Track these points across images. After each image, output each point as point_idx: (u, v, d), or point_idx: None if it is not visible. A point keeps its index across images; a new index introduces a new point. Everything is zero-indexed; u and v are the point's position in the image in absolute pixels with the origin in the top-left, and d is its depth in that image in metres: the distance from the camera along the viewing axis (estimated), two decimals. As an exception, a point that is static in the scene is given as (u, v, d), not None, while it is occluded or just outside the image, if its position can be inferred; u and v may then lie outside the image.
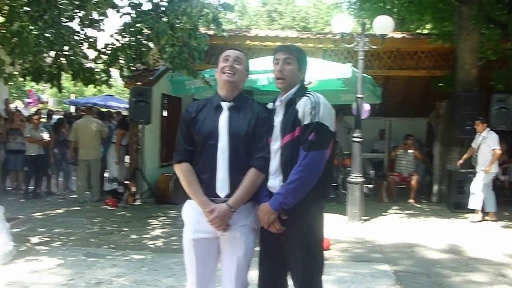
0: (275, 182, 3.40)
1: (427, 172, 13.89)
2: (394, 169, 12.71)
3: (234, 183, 3.37)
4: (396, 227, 9.55)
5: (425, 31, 15.97)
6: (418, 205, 11.88)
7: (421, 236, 8.68)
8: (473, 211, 10.31)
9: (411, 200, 12.01)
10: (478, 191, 10.24)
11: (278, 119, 3.46)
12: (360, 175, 10.07)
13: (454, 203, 11.12)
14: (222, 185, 3.38)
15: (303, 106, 3.36)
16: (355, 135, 10.16)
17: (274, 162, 3.42)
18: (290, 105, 3.42)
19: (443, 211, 11.22)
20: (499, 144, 10.26)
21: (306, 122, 3.32)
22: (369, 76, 11.44)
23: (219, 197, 3.38)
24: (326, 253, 7.46)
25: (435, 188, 12.53)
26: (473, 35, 11.70)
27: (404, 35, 13.51)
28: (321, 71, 9.78)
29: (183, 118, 3.56)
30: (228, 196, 3.37)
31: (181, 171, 3.48)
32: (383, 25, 10.17)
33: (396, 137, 13.68)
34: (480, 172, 10.34)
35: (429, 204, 12.19)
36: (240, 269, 3.46)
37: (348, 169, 10.88)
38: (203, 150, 3.43)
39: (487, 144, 10.28)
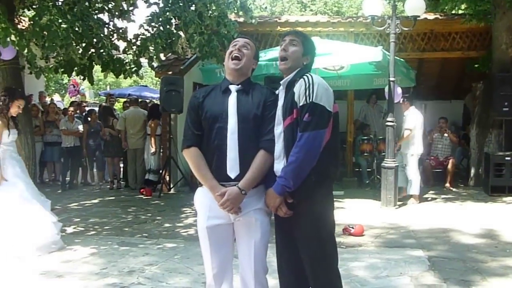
0: (279, 166, 3.38)
1: (464, 156, 13.66)
2: (431, 153, 12.52)
3: (244, 163, 3.36)
4: (431, 212, 9.41)
5: (459, 12, 15.60)
6: (454, 189, 11.69)
7: (457, 221, 8.53)
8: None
9: (447, 184, 11.83)
10: (413, 176, 10.22)
11: (280, 103, 3.46)
12: (394, 160, 9.95)
13: (492, 186, 10.89)
14: (232, 166, 3.37)
15: (298, 87, 3.35)
16: (388, 119, 10.02)
17: (278, 146, 3.41)
18: (290, 88, 3.42)
19: (480, 195, 11.02)
20: (414, 123, 10.21)
21: (301, 104, 3.30)
22: (402, 59, 11.27)
23: (229, 180, 3.37)
24: (359, 239, 7.45)
25: (472, 171, 12.30)
26: (509, 14, 11.42)
27: (437, 16, 13.23)
28: (352, 55, 9.68)
29: (190, 103, 3.57)
30: (238, 177, 3.35)
31: (190, 155, 3.48)
32: (415, 6, 9.97)
33: (432, 120, 13.44)
34: (409, 156, 10.27)
35: (466, 188, 11.99)
36: (258, 253, 3.45)
37: (383, 154, 10.75)
38: (211, 133, 3.42)
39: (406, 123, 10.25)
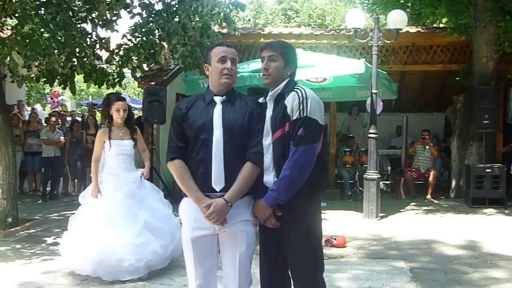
0: (269, 178, 3.40)
1: (445, 168, 13.76)
2: (412, 165, 12.59)
3: (229, 176, 3.35)
4: (413, 223, 9.45)
5: (441, 25, 15.78)
6: (436, 201, 11.74)
7: (439, 232, 8.57)
8: None
9: (428, 196, 11.89)
10: None
11: (268, 114, 3.47)
12: (376, 171, 9.99)
13: (473, 198, 10.97)
14: (217, 178, 3.36)
15: (291, 101, 3.38)
16: (371, 131, 10.07)
17: (267, 158, 3.43)
18: (280, 101, 3.44)
19: (461, 207, 11.09)
20: None
21: (294, 117, 3.34)
22: (384, 72, 11.35)
23: (214, 191, 3.36)
24: (342, 251, 7.45)
25: (453, 183, 12.38)
26: (489, 27, 11.56)
27: (419, 29, 13.36)
28: (335, 67, 9.72)
29: (174, 114, 3.55)
30: (224, 189, 3.34)
31: (174, 167, 3.47)
32: (397, 19, 10.06)
33: (413, 133, 13.54)
34: None
35: (447, 199, 12.06)
36: (243, 264, 3.44)
37: (365, 166, 10.80)
38: (196, 145, 3.41)
39: None
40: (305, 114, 3.32)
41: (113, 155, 6.34)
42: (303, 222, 3.39)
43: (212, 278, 3.55)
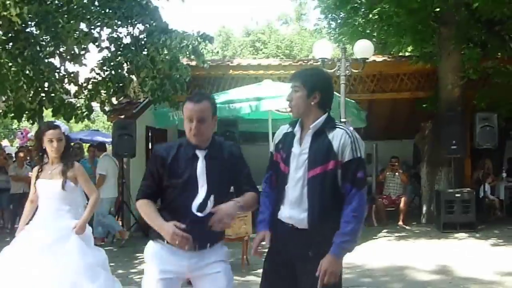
0: (293, 212, 3.33)
1: (415, 194, 13.88)
2: (383, 192, 12.67)
3: (197, 230, 3.28)
4: (386, 250, 9.48)
5: (406, 54, 16.07)
6: (407, 227, 11.81)
7: (411, 258, 8.60)
8: None
9: (400, 223, 11.95)
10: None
11: (303, 147, 3.35)
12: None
13: (444, 223, 11.06)
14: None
15: (340, 140, 3.27)
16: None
17: (294, 192, 3.34)
18: (319, 136, 3.33)
19: (432, 232, 11.17)
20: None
21: (348, 159, 3.24)
22: (353, 101, 11.48)
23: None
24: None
25: (424, 209, 12.48)
26: (453, 55, 11.81)
27: (385, 58, 13.60)
28: (304, 97, 9.78)
29: (157, 157, 3.44)
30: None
31: (140, 204, 3.42)
32: (363, 48, 10.24)
33: (383, 160, 13.65)
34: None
35: (419, 225, 12.14)
36: None
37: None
38: (174, 197, 3.38)
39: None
40: (358, 155, 3.26)
41: (42, 198, 5.25)
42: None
43: None
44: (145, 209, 3.39)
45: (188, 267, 3.39)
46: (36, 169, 5.33)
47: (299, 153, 3.35)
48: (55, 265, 4.93)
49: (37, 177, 5.25)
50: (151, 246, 3.48)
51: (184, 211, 3.30)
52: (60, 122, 5.72)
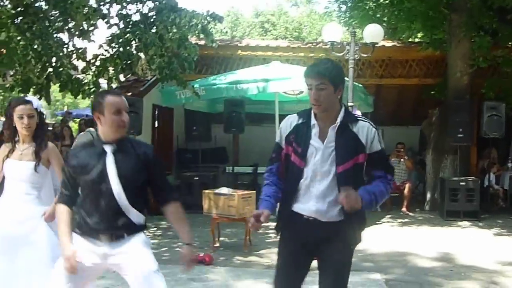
0: (320, 206, 3.36)
1: (420, 180, 13.87)
2: (388, 178, 12.64)
3: (110, 222, 3.44)
4: (388, 235, 9.50)
5: (416, 40, 15.98)
6: (411, 214, 11.83)
7: (414, 244, 8.63)
8: None
9: (403, 209, 11.96)
10: None
11: (327, 141, 3.34)
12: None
13: (447, 211, 11.07)
14: (98, 224, 3.43)
15: (366, 133, 3.33)
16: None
17: (320, 186, 3.35)
18: (344, 130, 3.33)
19: (435, 219, 11.19)
20: None
21: (377, 149, 3.35)
22: (360, 85, 11.44)
23: (96, 236, 3.45)
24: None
25: (428, 196, 12.50)
26: (463, 42, 11.73)
27: (395, 43, 13.53)
28: (312, 80, 9.76)
29: (66, 163, 3.59)
30: (100, 236, 3.44)
31: (58, 210, 3.57)
32: (373, 33, 10.18)
33: (389, 145, 13.60)
34: None
35: (422, 212, 12.16)
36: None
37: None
38: (87, 193, 3.47)
39: None
40: (383, 146, 3.41)
41: (9, 180, 4.68)
42: (347, 243, 3.45)
43: None
44: (59, 217, 3.55)
45: (103, 255, 3.47)
46: (7, 146, 4.65)
47: (324, 147, 3.33)
48: (21, 256, 4.47)
49: (7, 156, 4.61)
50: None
51: (97, 205, 3.41)
52: (33, 97, 5.45)
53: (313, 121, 3.40)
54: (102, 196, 3.40)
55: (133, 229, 3.51)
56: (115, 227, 3.42)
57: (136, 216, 3.49)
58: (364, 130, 3.33)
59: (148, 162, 3.51)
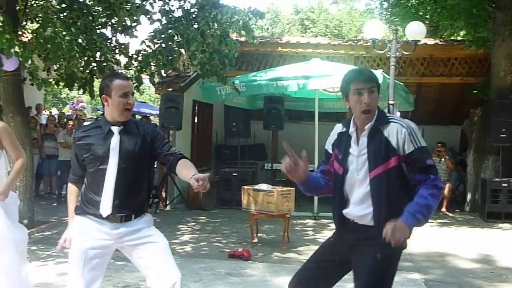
0: (356, 210, 3.32)
1: (460, 181, 13.68)
2: (427, 177, 12.50)
3: (117, 203, 3.50)
4: (427, 236, 9.36)
5: (459, 38, 15.75)
6: (450, 214, 11.68)
7: (453, 245, 8.53)
8: None
9: (443, 209, 11.81)
10: None
11: (360, 147, 3.31)
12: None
13: (488, 212, 10.89)
14: (105, 204, 3.49)
15: (397, 134, 3.21)
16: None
17: (358, 193, 3.31)
18: (375, 134, 3.26)
19: (476, 221, 11.02)
20: None
21: (410, 150, 3.19)
22: (401, 83, 11.34)
23: (104, 218, 3.51)
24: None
25: (469, 197, 12.32)
26: (508, 41, 11.52)
27: (437, 41, 13.36)
28: (352, 78, 9.73)
29: (74, 144, 3.67)
30: (107, 217, 3.50)
31: (68, 190, 3.75)
32: (416, 31, 10.08)
33: (429, 145, 13.36)
34: None
35: (462, 213, 12.00)
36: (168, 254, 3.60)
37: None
38: (94, 173, 3.55)
39: None
40: (420, 145, 3.20)
41: None
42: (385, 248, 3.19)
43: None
44: (68, 197, 3.75)
45: (116, 235, 3.54)
46: None
47: (358, 154, 3.31)
48: None
49: None
50: (78, 220, 3.63)
51: (104, 185, 3.49)
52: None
53: (351, 128, 3.37)
54: (108, 176, 3.49)
55: (140, 209, 3.63)
56: (122, 208, 3.52)
57: (142, 196, 3.64)
58: (394, 132, 3.21)
59: (152, 138, 3.60)
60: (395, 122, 3.26)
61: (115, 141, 3.51)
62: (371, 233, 3.25)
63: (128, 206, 3.54)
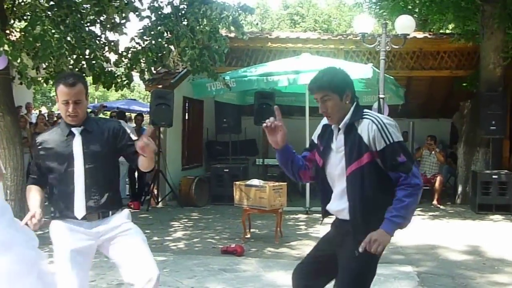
0: (335, 205, 3.42)
1: (451, 174, 13.74)
2: (419, 170, 12.54)
3: (90, 203, 3.53)
4: (419, 228, 9.41)
5: (448, 31, 15.79)
6: (442, 207, 11.73)
7: (445, 237, 8.57)
8: None
9: (434, 202, 11.87)
10: None
11: (338, 144, 3.33)
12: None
13: (479, 204, 10.94)
14: (78, 206, 3.52)
15: (367, 131, 3.19)
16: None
17: (338, 187, 3.36)
18: (350, 131, 3.26)
19: (467, 213, 11.09)
20: None
21: (381, 147, 3.17)
22: (391, 77, 11.37)
23: (77, 218, 3.54)
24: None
25: (459, 189, 12.37)
26: (496, 34, 11.56)
27: (426, 35, 13.39)
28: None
29: (35, 149, 3.66)
30: (84, 217, 3.53)
31: (27, 191, 3.69)
32: (405, 24, 10.10)
33: (420, 138, 13.53)
34: None
35: (453, 205, 12.06)
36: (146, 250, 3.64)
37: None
38: (62, 177, 3.55)
39: None
40: (391, 141, 3.16)
41: None
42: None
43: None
44: (27, 192, 3.68)
45: (96, 234, 3.58)
46: None
47: (336, 150, 3.34)
48: None
49: None
50: (56, 224, 3.65)
51: (72, 188, 3.52)
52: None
53: (340, 130, 3.37)
54: (76, 178, 3.50)
55: (115, 205, 3.67)
56: (96, 207, 3.55)
57: (114, 191, 3.68)
58: (365, 128, 3.20)
59: (115, 134, 3.61)
60: (367, 118, 3.25)
61: (77, 142, 3.52)
62: (349, 227, 3.31)
63: (102, 204, 3.57)
